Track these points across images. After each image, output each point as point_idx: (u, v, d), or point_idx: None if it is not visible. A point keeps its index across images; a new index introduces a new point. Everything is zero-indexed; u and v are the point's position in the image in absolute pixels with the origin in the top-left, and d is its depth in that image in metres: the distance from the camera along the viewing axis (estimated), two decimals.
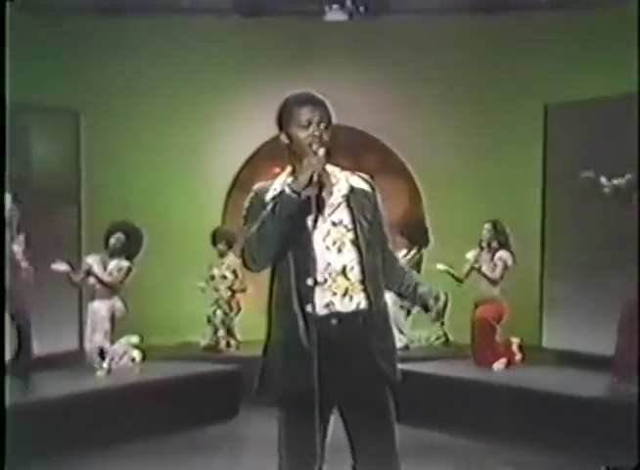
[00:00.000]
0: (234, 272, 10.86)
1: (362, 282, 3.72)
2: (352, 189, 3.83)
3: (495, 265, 9.33)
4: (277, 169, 12.70)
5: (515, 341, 9.51)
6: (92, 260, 9.32)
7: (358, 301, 3.72)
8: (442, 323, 11.20)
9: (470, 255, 9.50)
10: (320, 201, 3.69)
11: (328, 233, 3.72)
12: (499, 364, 9.21)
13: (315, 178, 3.61)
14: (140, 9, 11.41)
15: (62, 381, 8.89)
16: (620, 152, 9.38)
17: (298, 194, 3.58)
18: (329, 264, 3.68)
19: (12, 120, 10.06)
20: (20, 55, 10.81)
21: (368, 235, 3.77)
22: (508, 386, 8.65)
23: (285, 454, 3.76)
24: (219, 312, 10.90)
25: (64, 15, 11.29)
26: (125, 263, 9.28)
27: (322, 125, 3.73)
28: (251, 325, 10.81)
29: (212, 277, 10.91)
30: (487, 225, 9.44)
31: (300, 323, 3.63)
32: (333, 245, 3.72)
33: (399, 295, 4.10)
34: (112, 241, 9.28)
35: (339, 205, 3.78)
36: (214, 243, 10.97)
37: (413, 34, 11.58)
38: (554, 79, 10.91)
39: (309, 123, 3.73)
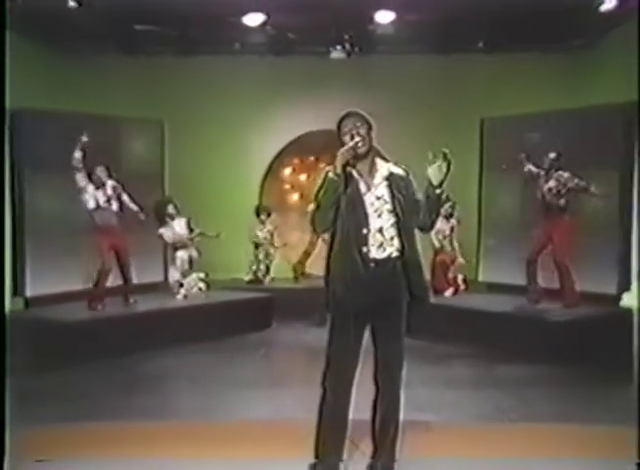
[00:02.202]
0: (271, 234, 11.03)
1: (395, 238, 3.75)
2: (391, 173, 3.85)
3: (448, 224, 9.51)
4: (296, 161, 13.04)
5: (460, 276, 9.62)
6: (169, 228, 9.45)
7: (390, 251, 3.75)
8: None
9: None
10: (357, 180, 3.77)
11: (372, 203, 3.76)
12: (449, 292, 9.37)
13: (347, 160, 3.69)
14: (205, 51, 11.41)
15: (154, 301, 9.03)
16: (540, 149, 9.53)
17: (338, 175, 3.65)
18: (372, 224, 3.74)
19: (121, 129, 10.48)
20: (126, 85, 11.11)
21: (403, 205, 3.78)
22: (455, 306, 8.81)
23: (333, 354, 3.77)
24: (261, 258, 10.96)
25: (153, 55, 11.42)
26: (184, 220, 9.35)
27: (356, 127, 3.81)
28: (281, 268, 11.17)
29: (256, 237, 10.96)
30: (449, 203, 9.51)
31: (359, 260, 3.67)
32: (374, 212, 3.75)
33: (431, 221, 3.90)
34: (169, 210, 9.26)
35: (380, 184, 3.80)
36: (258, 214, 11.03)
37: (392, 67, 11.46)
38: (487, 100, 10.96)
39: (349, 129, 3.81)
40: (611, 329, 7.77)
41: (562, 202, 8.20)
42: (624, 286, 9.28)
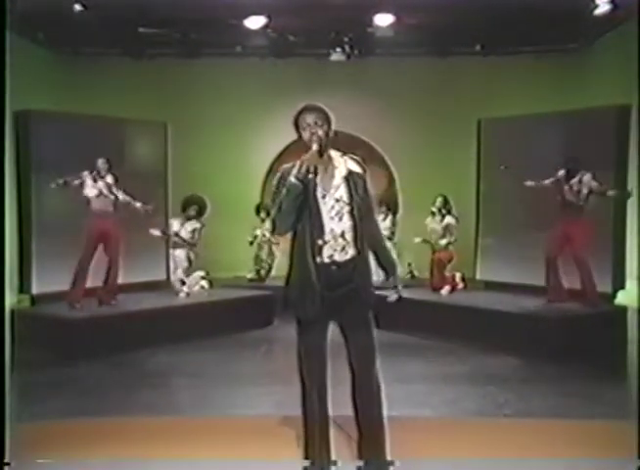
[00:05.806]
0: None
1: (354, 241, 3.65)
2: (350, 172, 3.70)
3: (441, 224, 9.34)
4: (297, 161, 12.89)
5: (458, 274, 9.47)
6: (175, 222, 9.39)
7: (351, 253, 3.65)
8: (409, 264, 11.49)
9: (428, 220, 9.56)
10: (315, 184, 3.61)
11: (332, 207, 3.65)
12: (446, 290, 9.26)
13: (311, 169, 3.54)
14: (208, 53, 11.54)
15: (156, 299, 9.02)
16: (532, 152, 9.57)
17: (301, 181, 3.53)
18: (332, 230, 3.63)
19: (125, 130, 10.46)
20: (129, 87, 11.15)
21: (361, 207, 3.68)
22: (452, 304, 8.83)
23: (302, 354, 3.73)
24: (262, 257, 11.05)
25: (156, 57, 11.49)
26: (199, 225, 9.29)
27: (318, 125, 3.64)
28: (281, 266, 11.11)
29: (256, 237, 11.03)
30: (440, 198, 9.32)
31: (312, 269, 3.59)
32: (335, 215, 3.65)
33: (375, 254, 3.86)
34: (190, 211, 9.26)
35: (339, 185, 3.67)
36: (258, 213, 11.09)
37: (390, 69, 11.62)
38: (484, 101, 11.04)
39: (309, 125, 3.65)
40: (606, 326, 7.86)
41: (581, 202, 8.13)
42: (619, 284, 9.32)
